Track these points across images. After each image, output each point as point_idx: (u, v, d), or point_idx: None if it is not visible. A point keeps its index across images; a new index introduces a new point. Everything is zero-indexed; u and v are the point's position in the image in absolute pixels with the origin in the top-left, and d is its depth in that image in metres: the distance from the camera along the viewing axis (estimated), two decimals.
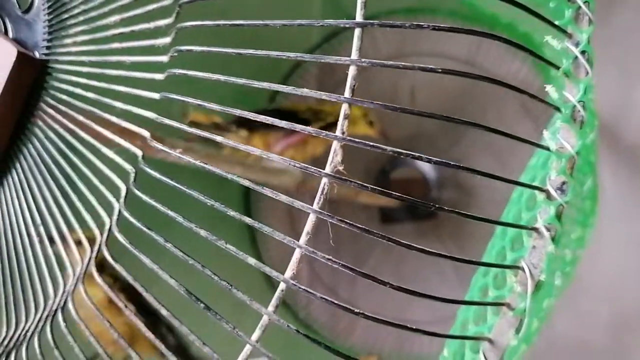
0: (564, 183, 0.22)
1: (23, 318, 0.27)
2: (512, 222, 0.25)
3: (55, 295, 0.25)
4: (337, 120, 0.19)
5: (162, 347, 0.20)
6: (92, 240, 0.26)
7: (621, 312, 0.87)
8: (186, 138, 0.41)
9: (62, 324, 0.22)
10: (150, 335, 0.20)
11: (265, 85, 0.19)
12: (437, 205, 0.18)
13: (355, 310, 0.18)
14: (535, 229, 0.22)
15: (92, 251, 0.24)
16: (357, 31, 0.18)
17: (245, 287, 0.19)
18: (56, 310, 0.25)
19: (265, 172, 0.53)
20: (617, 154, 0.85)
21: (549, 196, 0.22)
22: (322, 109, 0.72)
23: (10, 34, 0.30)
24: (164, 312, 0.19)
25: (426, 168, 0.90)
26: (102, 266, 0.25)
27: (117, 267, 0.20)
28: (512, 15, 0.52)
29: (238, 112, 0.19)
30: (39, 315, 0.26)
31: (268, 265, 0.19)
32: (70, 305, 0.24)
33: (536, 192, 0.22)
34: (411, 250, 0.20)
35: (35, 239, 0.27)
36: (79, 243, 0.26)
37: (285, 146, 0.63)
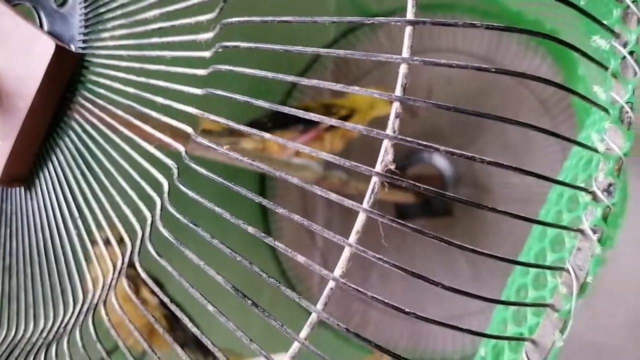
0: (610, 185, 0.21)
1: (61, 311, 0.27)
2: (551, 222, 0.24)
3: (95, 290, 0.25)
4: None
5: (175, 345, 0.20)
6: (122, 239, 0.26)
7: (637, 312, 0.86)
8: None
9: (105, 318, 0.22)
10: (166, 335, 0.21)
11: (314, 82, 0.18)
12: (483, 205, 0.18)
13: (406, 310, 0.18)
14: (581, 231, 0.21)
15: (133, 246, 0.24)
16: (409, 29, 0.18)
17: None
18: (97, 304, 0.26)
19: (287, 168, 0.53)
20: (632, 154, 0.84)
21: (595, 198, 0.21)
22: (334, 102, 0.72)
23: (46, 27, 0.30)
24: (210, 308, 0.19)
25: (442, 165, 0.90)
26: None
27: (163, 262, 0.20)
28: (538, 12, 0.52)
29: (286, 109, 0.19)
30: (78, 309, 0.26)
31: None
32: (113, 299, 0.24)
33: (582, 193, 0.22)
34: (421, 248, 0.20)
35: (74, 233, 0.27)
36: (119, 240, 0.26)
37: (302, 143, 0.63)
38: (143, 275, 0.24)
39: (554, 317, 0.21)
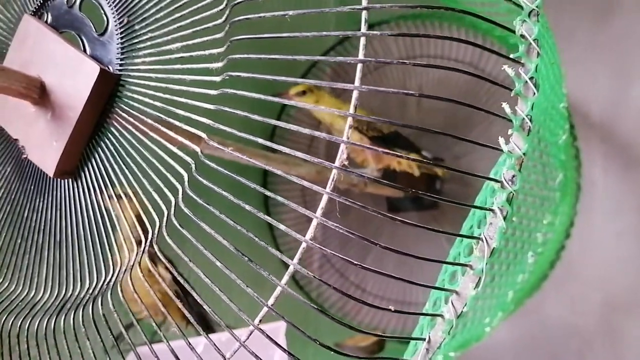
0: (513, 176, 0.29)
1: (103, 274, 0.35)
2: (478, 205, 0.32)
3: (129, 259, 0.33)
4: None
5: (185, 312, 0.28)
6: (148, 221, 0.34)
7: (612, 298, 0.93)
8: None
9: (131, 287, 0.30)
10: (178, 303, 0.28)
11: (290, 126, 0.26)
12: (414, 191, 0.26)
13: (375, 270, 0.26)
14: (492, 210, 0.29)
15: (160, 222, 0.32)
16: (359, 65, 0.25)
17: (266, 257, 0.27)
18: (125, 271, 0.34)
19: (286, 164, 0.61)
20: (609, 151, 0.91)
21: (502, 186, 0.29)
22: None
23: (88, 52, 0.38)
24: (218, 263, 0.27)
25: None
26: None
27: (184, 231, 0.28)
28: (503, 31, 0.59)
29: (306, 131, 0.26)
30: (114, 275, 0.34)
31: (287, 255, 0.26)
32: (138, 270, 0.32)
33: (493, 183, 0.29)
34: (413, 237, 0.27)
35: (112, 214, 0.35)
36: (143, 224, 0.34)
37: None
38: (159, 254, 0.31)
39: (471, 274, 0.29)
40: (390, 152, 0.28)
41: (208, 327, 0.65)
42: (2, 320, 0.37)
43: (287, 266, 0.26)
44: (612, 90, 0.93)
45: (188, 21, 0.33)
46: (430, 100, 0.96)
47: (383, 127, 0.76)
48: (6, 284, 0.39)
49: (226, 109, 0.28)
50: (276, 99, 0.26)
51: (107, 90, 0.36)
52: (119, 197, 0.36)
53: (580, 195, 0.71)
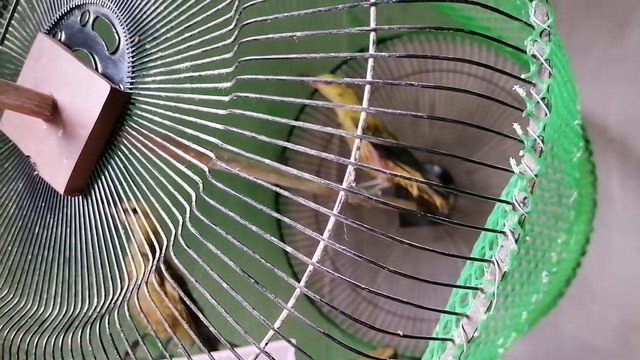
0: (525, 198, 0.28)
1: (111, 292, 0.35)
2: (490, 228, 0.31)
3: (138, 278, 0.33)
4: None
5: (191, 332, 0.28)
6: (156, 239, 0.34)
7: (629, 316, 0.91)
8: None
9: (137, 305, 0.30)
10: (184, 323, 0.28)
11: (306, 125, 0.26)
12: (421, 213, 0.25)
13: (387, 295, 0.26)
14: (503, 232, 0.28)
15: (167, 241, 0.32)
16: (367, 87, 0.25)
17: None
18: (133, 290, 0.34)
19: (297, 179, 0.61)
20: (626, 166, 0.90)
21: (514, 208, 0.28)
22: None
23: (100, 70, 0.38)
24: (226, 287, 0.27)
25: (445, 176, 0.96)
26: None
27: (191, 252, 0.28)
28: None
29: (292, 146, 0.26)
30: (123, 291, 0.34)
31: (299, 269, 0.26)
32: (144, 288, 0.32)
33: (504, 205, 0.29)
34: (427, 253, 0.27)
35: (121, 232, 0.35)
36: (151, 242, 0.34)
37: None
38: (166, 274, 0.31)
39: (482, 297, 0.28)
40: (396, 173, 0.27)
41: (217, 345, 0.64)
42: (12, 336, 0.37)
43: (296, 275, 0.26)
44: (629, 104, 0.91)
45: (198, 41, 0.33)
46: (442, 113, 0.96)
47: (390, 137, 0.76)
48: (16, 300, 0.40)
49: (234, 129, 0.28)
50: (300, 79, 0.26)
51: (118, 109, 0.36)
52: (126, 212, 0.36)
53: (596, 211, 0.69)
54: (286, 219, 0.27)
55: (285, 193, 0.28)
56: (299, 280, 0.26)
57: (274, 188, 0.28)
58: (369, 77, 0.25)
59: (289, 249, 0.26)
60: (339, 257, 1.02)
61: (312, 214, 1.02)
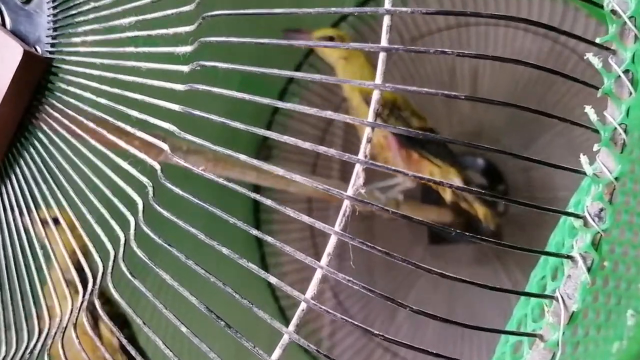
0: (601, 210, 0.29)
1: (25, 338, 0.35)
2: (554, 250, 0.32)
3: (63, 315, 0.34)
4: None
5: None
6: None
7: None
8: None
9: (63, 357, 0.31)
10: None
11: (289, 106, 0.26)
12: (457, 231, 0.26)
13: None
14: (571, 257, 0.29)
15: (104, 267, 0.32)
16: (382, 55, 0.26)
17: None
18: (54, 336, 0.34)
19: (284, 178, 0.61)
20: None
21: (586, 223, 0.29)
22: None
23: (8, 26, 0.39)
24: (183, 329, 0.27)
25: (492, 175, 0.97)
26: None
27: (136, 282, 0.29)
28: None
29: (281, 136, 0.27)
30: (43, 336, 0.34)
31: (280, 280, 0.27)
32: (72, 332, 0.32)
33: (573, 219, 0.29)
34: (465, 276, 0.27)
35: (40, 253, 0.35)
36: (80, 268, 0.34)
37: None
38: (102, 312, 0.32)
39: (541, 348, 0.29)
40: (420, 175, 0.28)
41: None
42: None
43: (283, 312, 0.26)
44: None
45: None
46: (489, 86, 0.96)
47: (412, 119, 0.76)
48: None
49: (196, 112, 0.28)
50: (265, 101, 0.27)
51: (34, 80, 0.37)
52: (44, 222, 0.36)
53: None
54: (269, 239, 0.27)
55: (268, 202, 0.29)
56: (287, 319, 0.26)
57: (252, 195, 0.29)
58: (384, 42, 0.25)
59: (273, 279, 0.27)
60: (344, 287, 1.02)
61: (306, 225, 1.03)
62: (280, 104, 0.27)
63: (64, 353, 0.31)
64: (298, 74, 0.26)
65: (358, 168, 0.26)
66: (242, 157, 0.27)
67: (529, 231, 0.89)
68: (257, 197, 0.29)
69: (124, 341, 0.29)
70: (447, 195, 0.79)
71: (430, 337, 0.95)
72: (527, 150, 0.90)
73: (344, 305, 1.01)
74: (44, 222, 0.37)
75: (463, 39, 0.96)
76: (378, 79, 0.26)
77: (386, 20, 0.26)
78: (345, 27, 0.94)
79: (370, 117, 0.26)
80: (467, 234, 0.27)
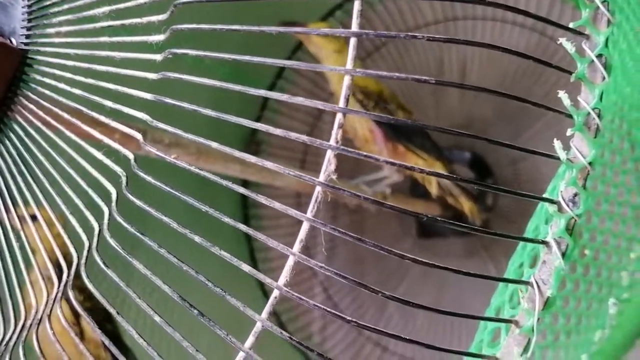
0: (575, 195, 0.29)
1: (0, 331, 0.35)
2: (531, 237, 0.32)
3: (38, 309, 0.33)
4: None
5: None
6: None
7: None
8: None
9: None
10: None
11: (262, 92, 0.26)
12: (428, 216, 0.26)
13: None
14: (545, 242, 0.29)
15: (78, 258, 0.32)
16: (353, 40, 0.26)
17: (240, 298, 0.27)
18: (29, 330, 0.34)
19: (268, 171, 0.61)
20: None
21: (560, 208, 0.29)
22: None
23: None
24: (157, 318, 0.27)
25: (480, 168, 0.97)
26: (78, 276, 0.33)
27: (110, 272, 0.29)
28: None
29: (247, 122, 0.27)
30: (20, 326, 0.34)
31: (268, 275, 0.27)
32: (47, 325, 0.32)
33: (548, 204, 0.29)
34: (454, 263, 0.27)
35: (16, 245, 0.35)
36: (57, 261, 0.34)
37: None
38: (79, 309, 0.32)
39: (517, 334, 0.29)
40: (407, 165, 0.28)
41: None
42: None
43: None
44: None
45: None
46: (478, 77, 0.96)
47: (398, 111, 0.75)
48: None
49: (168, 100, 0.28)
50: (237, 87, 0.27)
51: (9, 72, 0.36)
52: (22, 219, 0.36)
53: None
54: (251, 231, 0.27)
55: (252, 195, 0.28)
56: (277, 314, 0.26)
57: (235, 187, 0.28)
58: (354, 27, 0.25)
59: (246, 267, 0.27)
60: (334, 282, 1.02)
61: (296, 220, 1.02)
62: (252, 91, 0.27)
63: (39, 345, 0.31)
64: (268, 60, 0.26)
65: (329, 154, 0.26)
66: (215, 145, 0.27)
67: (518, 223, 0.89)
68: (238, 188, 0.28)
69: (98, 331, 0.29)
70: (434, 189, 0.79)
71: (420, 329, 0.95)
72: (515, 142, 0.90)
73: (333, 300, 1.01)
74: (21, 219, 0.37)
75: (451, 33, 0.96)
76: (349, 65, 0.26)
77: (356, 5, 0.26)
78: (332, 21, 0.95)
79: (342, 103, 0.26)
80: (453, 222, 0.27)
